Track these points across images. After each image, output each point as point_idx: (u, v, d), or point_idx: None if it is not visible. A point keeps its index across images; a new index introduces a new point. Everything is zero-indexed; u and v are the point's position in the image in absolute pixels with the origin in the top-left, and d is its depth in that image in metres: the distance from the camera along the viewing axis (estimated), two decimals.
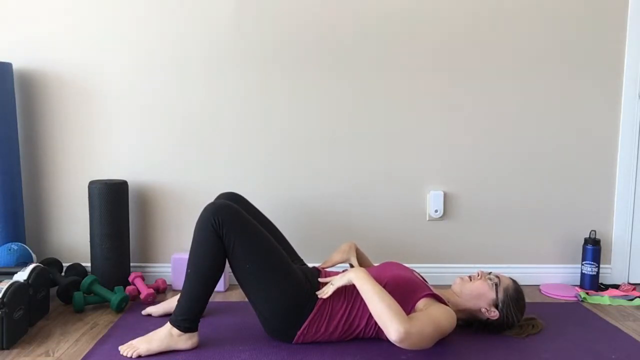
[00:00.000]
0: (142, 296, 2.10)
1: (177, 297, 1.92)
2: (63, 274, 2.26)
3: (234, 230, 1.62)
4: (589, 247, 2.33)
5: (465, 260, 2.43)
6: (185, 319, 1.65)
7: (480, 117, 2.37)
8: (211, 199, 2.30)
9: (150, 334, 1.68)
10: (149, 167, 2.35)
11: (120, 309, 2.02)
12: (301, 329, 1.68)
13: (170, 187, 2.36)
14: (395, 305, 1.51)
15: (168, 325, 1.66)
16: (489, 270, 1.88)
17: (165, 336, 1.65)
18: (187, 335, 1.66)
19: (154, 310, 1.98)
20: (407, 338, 1.46)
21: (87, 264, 2.31)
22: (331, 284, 1.65)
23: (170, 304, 1.94)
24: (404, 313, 1.50)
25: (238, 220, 1.64)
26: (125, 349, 1.65)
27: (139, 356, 1.63)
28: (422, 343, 1.51)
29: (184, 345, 1.67)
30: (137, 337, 1.71)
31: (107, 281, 2.18)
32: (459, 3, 2.30)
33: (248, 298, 1.71)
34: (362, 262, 2.03)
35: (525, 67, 2.34)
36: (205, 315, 1.98)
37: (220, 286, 2.26)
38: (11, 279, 1.81)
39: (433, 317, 1.56)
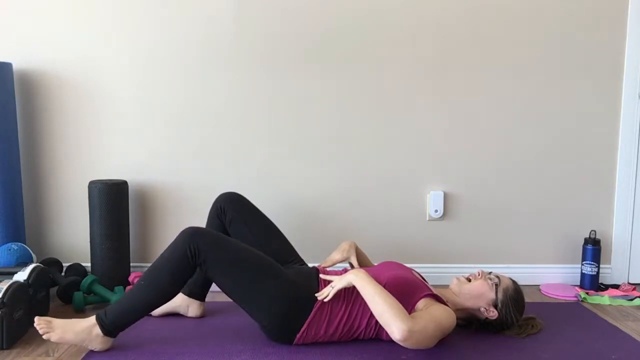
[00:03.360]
0: None
1: (178, 297, 1.93)
2: (63, 274, 2.26)
3: (211, 256, 1.61)
4: (589, 247, 2.33)
5: (465, 260, 2.43)
6: (113, 323, 1.62)
7: (480, 117, 2.37)
8: (211, 198, 2.29)
9: (72, 321, 1.63)
10: (149, 167, 2.35)
11: None
12: (300, 332, 1.67)
13: (170, 187, 2.36)
14: (397, 304, 1.51)
15: (93, 320, 1.62)
16: (489, 270, 1.88)
17: (83, 330, 1.61)
18: (106, 338, 1.63)
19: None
20: (411, 336, 1.46)
21: (87, 264, 2.31)
22: (331, 286, 1.64)
23: (171, 304, 1.93)
24: (406, 312, 1.51)
25: (214, 245, 1.62)
26: (40, 324, 1.60)
27: (49, 340, 1.60)
28: (425, 341, 1.51)
29: (97, 346, 1.63)
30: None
31: (107, 281, 2.18)
32: (459, 2, 2.31)
33: (243, 309, 1.70)
34: (362, 261, 2.03)
35: (525, 67, 2.34)
36: (205, 315, 1.98)
37: None
38: (11, 279, 1.81)
39: (434, 316, 1.56)
